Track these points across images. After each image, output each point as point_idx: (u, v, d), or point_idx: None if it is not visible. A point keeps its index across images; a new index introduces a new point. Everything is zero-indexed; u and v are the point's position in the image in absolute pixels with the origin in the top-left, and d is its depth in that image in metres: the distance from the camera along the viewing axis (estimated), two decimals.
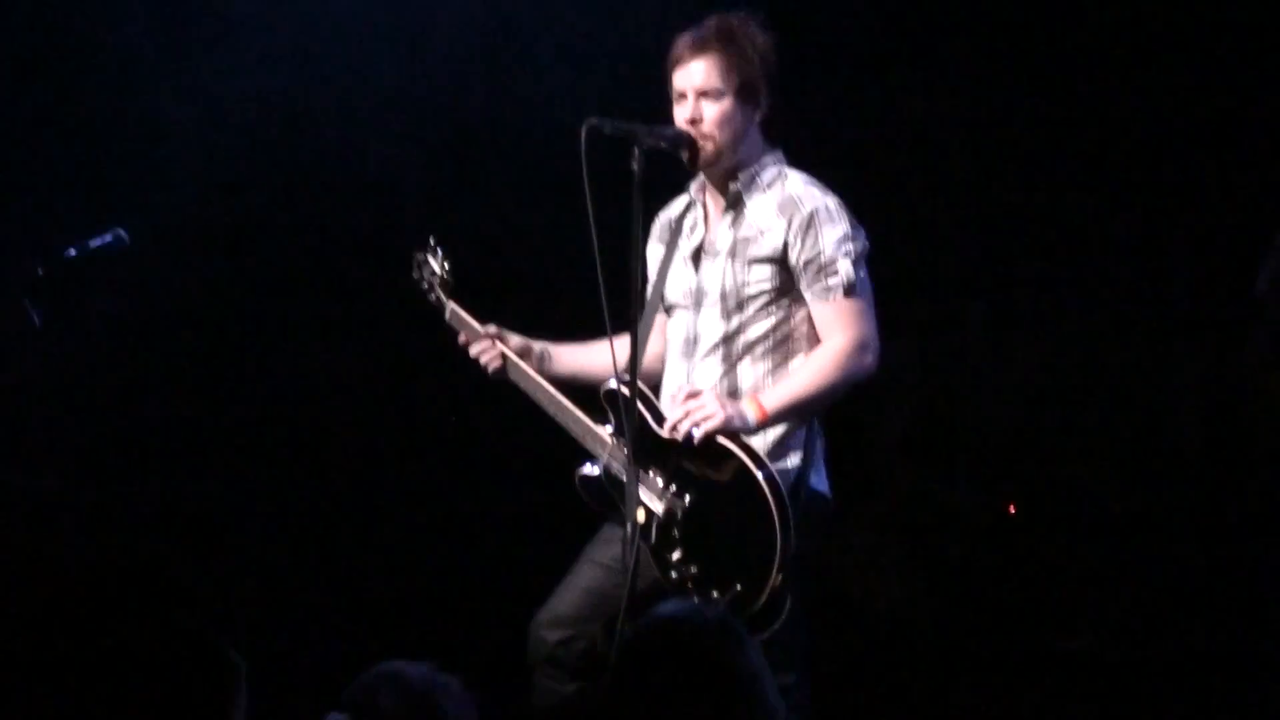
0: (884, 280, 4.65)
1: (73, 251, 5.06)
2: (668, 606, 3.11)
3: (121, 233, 5.10)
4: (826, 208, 4.51)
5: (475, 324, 4.85)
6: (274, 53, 6.34)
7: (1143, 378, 6.73)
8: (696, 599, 4.35)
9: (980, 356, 6.94)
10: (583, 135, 4.33)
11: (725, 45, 4.53)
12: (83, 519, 5.83)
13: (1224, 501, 6.35)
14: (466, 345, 4.85)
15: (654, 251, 4.74)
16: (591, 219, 4.31)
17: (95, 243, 5.09)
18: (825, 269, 4.49)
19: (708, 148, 4.52)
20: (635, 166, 4.37)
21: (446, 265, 4.92)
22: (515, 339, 4.83)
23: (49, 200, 6.17)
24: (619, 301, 4.41)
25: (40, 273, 5.00)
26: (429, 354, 5.12)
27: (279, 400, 6.54)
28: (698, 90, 4.51)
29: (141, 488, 6.25)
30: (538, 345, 4.85)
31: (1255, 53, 6.23)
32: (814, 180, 4.60)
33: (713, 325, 4.57)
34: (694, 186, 4.70)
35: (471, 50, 6.46)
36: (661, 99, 4.61)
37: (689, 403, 4.45)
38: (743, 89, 4.51)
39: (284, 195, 6.48)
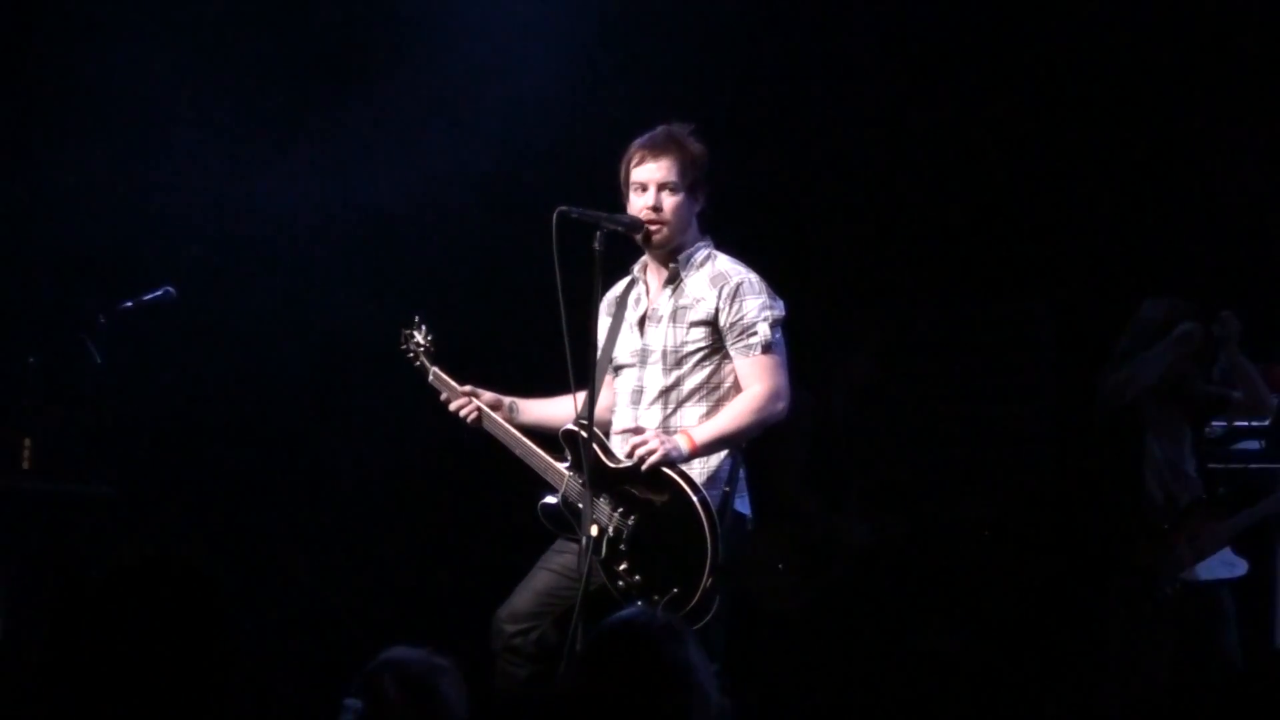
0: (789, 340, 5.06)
1: (129, 304, 5.63)
2: (623, 612, 3.23)
3: (171, 289, 5.69)
4: (749, 281, 5.00)
5: (454, 384, 5.23)
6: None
7: (1002, 426, 7.35)
8: (640, 603, 4.69)
9: (865, 405, 7.48)
10: (554, 220, 4.79)
11: (679, 149, 5.01)
12: (128, 521, 6.11)
13: (1068, 531, 6.91)
14: (448, 402, 5.23)
15: (602, 324, 5.12)
16: (560, 290, 4.73)
17: (148, 297, 5.68)
18: (747, 330, 4.95)
19: (663, 231, 4.99)
20: (597, 246, 4.87)
21: (430, 337, 5.31)
22: (488, 395, 5.22)
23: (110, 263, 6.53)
24: (579, 358, 4.85)
25: (102, 320, 5.58)
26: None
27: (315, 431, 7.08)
28: (659, 184, 4.98)
29: (176, 492, 6.69)
30: (507, 399, 5.24)
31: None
32: (739, 260, 5.07)
33: (656, 378, 5.02)
34: (637, 266, 5.15)
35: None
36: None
37: (635, 439, 4.90)
38: (691, 185, 5.01)
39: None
